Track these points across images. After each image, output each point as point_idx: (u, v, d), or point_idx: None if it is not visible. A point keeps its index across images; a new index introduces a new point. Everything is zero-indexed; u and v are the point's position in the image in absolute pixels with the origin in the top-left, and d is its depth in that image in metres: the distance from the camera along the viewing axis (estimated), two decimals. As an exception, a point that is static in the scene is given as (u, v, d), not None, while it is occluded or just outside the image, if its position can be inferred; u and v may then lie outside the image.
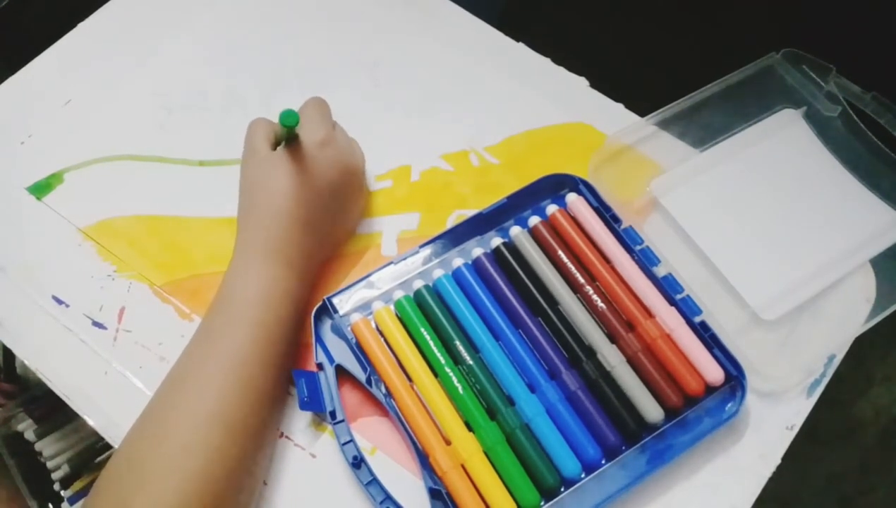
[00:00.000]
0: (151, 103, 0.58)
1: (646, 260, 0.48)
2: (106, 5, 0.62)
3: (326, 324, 0.47)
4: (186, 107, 0.57)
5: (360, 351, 0.46)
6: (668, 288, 0.48)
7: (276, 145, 0.47)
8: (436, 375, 0.45)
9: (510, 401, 0.44)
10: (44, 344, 0.48)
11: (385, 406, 0.44)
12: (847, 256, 0.50)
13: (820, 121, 0.55)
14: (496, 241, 0.49)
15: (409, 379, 0.45)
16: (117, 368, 0.48)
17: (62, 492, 0.73)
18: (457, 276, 0.48)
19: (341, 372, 0.46)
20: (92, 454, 0.74)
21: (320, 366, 0.45)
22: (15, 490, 0.77)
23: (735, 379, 0.45)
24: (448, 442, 0.43)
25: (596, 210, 0.50)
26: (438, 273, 0.48)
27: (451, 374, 0.45)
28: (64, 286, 0.50)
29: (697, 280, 0.48)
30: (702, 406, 0.45)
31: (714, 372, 0.45)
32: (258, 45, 0.60)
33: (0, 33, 0.78)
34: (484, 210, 0.50)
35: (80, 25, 0.61)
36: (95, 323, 0.49)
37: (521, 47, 0.60)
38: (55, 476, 0.73)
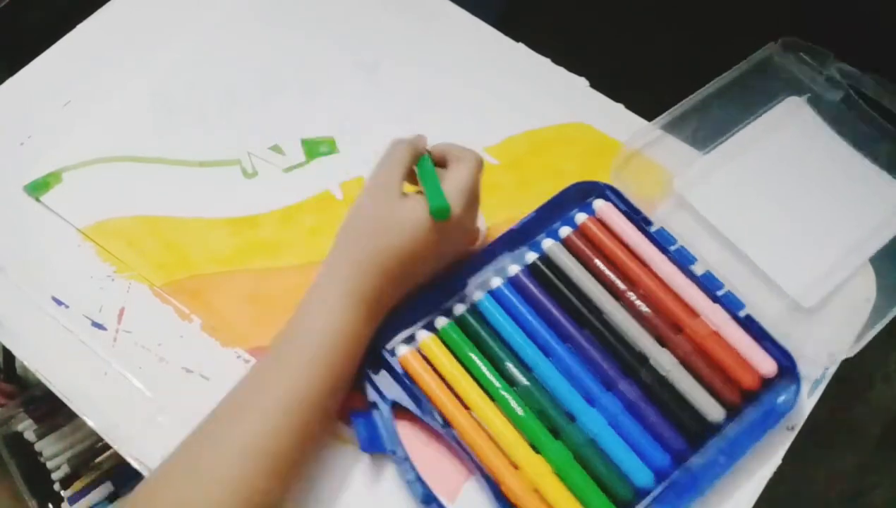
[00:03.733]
0: (151, 104, 0.57)
1: (682, 260, 0.48)
2: (106, 6, 0.62)
3: (373, 361, 0.45)
4: (186, 108, 0.57)
5: (412, 384, 0.44)
6: (708, 285, 0.47)
7: (405, 180, 0.45)
8: (492, 399, 0.44)
9: (571, 418, 0.44)
10: (44, 345, 0.48)
11: (445, 437, 0.43)
12: (871, 235, 0.51)
13: (824, 106, 0.55)
14: (531, 257, 0.48)
15: (466, 406, 0.44)
16: (117, 369, 0.48)
17: (62, 492, 0.73)
18: (497, 296, 0.47)
19: (395, 407, 0.44)
20: (92, 454, 0.74)
21: (374, 405, 0.44)
22: (15, 489, 0.77)
23: (787, 369, 0.45)
24: (516, 467, 0.42)
25: (625, 214, 0.50)
26: (478, 295, 0.47)
27: (507, 397, 0.44)
28: (64, 287, 0.50)
29: (733, 274, 0.48)
30: (758, 401, 0.45)
31: (767, 365, 0.45)
32: (258, 45, 0.60)
33: (0, 33, 0.77)
34: (515, 226, 0.49)
35: (80, 26, 0.61)
36: (95, 324, 0.49)
37: (521, 47, 0.60)
38: (55, 476, 0.73)
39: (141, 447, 0.45)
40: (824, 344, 0.47)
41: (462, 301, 0.47)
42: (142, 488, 0.39)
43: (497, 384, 0.44)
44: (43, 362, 0.48)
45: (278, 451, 0.39)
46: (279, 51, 0.60)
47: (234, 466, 0.38)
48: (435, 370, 0.45)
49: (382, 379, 0.45)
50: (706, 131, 0.54)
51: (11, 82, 0.59)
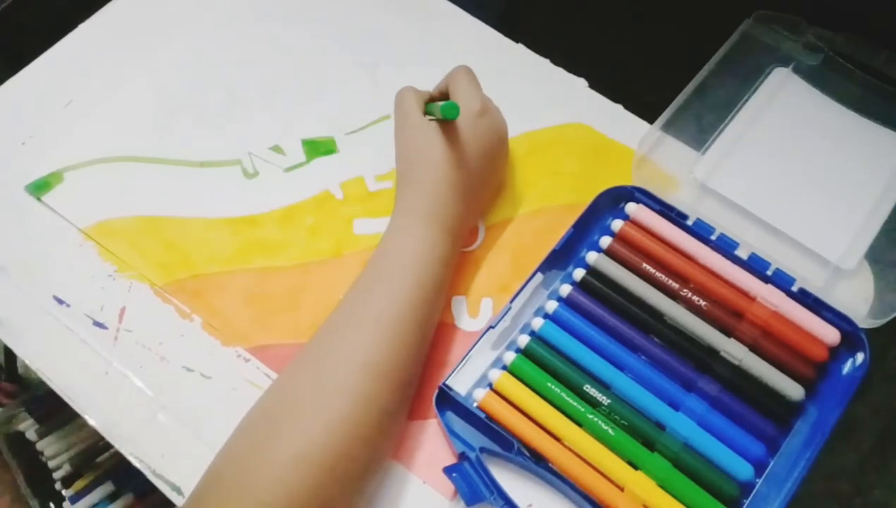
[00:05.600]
0: (152, 104, 0.58)
1: (725, 247, 0.49)
2: (106, 6, 0.62)
3: (450, 410, 0.45)
4: (187, 108, 0.58)
5: (496, 425, 0.44)
6: (756, 267, 0.48)
7: (424, 112, 0.49)
8: (579, 425, 0.44)
9: (660, 427, 0.44)
10: (45, 344, 0.49)
11: (539, 475, 0.43)
12: (889, 186, 0.52)
13: (809, 71, 0.57)
14: (579, 274, 0.48)
15: (556, 437, 0.43)
16: (118, 368, 0.48)
17: (63, 491, 0.73)
18: (556, 320, 0.47)
19: (484, 452, 0.44)
20: (93, 453, 0.75)
21: (463, 455, 0.44)
22: (17, 489, 0.77)
23: (849, 334, 0.46)
24: (621, 488, 0.42)
25: (660, 212, 0.50)
26: (538, 322, 0.47)
27: (595, 419, 0.43)
28: (65, 286, 0.50)
29: (772, 250, 0.49)
30: (829, 372, 0.46)
31: (830, 334, 0.46)
32: (258, 45, 0.60)
33: (0, 34, 0.78)
34: (556, 246, 0.49)
35: (81, 26, 0.61)
36: (96, 323, 0.49)
37: (521, 48, 0.60)
38: (56, 475, 0.73)
39: (142, 445, 0.46)
40: (876, 299, 0.48)
41: (523, 331, 0.47)
42: (267, 392, 0.42)
43: (581, 408, 0.44)
44: (44, 361, 0.48)
45: (383, 361, 0.41)
46: (279, 51, 0.60)
47: (343, 375, 0.40)
48: (515, 406, 0.44)
49: (465, 428, 0.44)
50: (709, 118, 0.55)
51: (13, 82, 0.59)
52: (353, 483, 0.40)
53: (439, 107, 0.45)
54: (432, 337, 0.46)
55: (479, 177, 0.48)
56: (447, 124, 0.47)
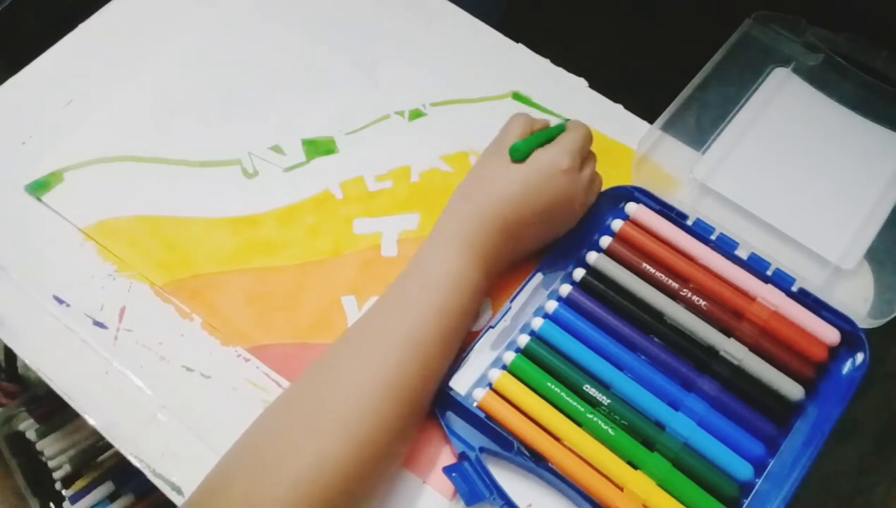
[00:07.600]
0: (152, 104, 0.58)
1: (725, 247, 0.49)
2: (106, 6, 0.62)
3: (450, 410, 0.45)
4: (187, 108, 0.58)
5: (496, 425, 0.44)
6: (756, 267, 0.48)
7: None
8: (579, 425, 0.44)
9: (660, 427, 0.44)
10: (45, 344, 0.49)
11: (539, 475, 0.43)
12: (889, 187, 0.52)
13: (808, 71, 0.57)
14: (579, 273, 0.48)
15: (556, 437, 0.43)
16: (118, 367, 0.48)
17: (63, 491, 0.73)
18: (556, 320, 0.47)
19: (484, 452, 0.44)
20: (93, 453, 0.75)
21: (463, 455, 0.44)
22: (17, 489, 0.77)
23: (849, 334, 0.46)
24: (621, 488, 0.42)
25: (660, 212, 0.50)
26: (538, 322, 0.47)
27: (595, 419, 0.43)
28: (65, 286, 0.50)
29: (772, 250, 0.49)
30: (828, 372, 0.46)
31: (830, 334, 0.46)
32: (258, 45, 0.61)
33: (0, 33, 0.78)
34: (556, 246, 0.49)
35: (81, 26, 0.61)
36: (96, 323, 0.49)
37: (521, 48, 0.60)
38: (56, 475, 0.73)
39: (142, 445, 0.46)
40: (876, 299, 0.49)
41: (523, 330, 0.47)
42: (266, 414, 0.41)
43: (581, 408, 0.44)
44: (44, 361, 0.48)
45: (404, 384, 0.41)
46: (279, 51, 0.60)
47: (364, 395, 0.40)
48: (515, 406, 0.44)
49: (465, 428, 0.44)
50: (708, 118, 0.55)
51: (13, 82, 0.59)
52: (363, 501, 0.40)
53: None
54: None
55: (532, 227, 0.47)
56: (525, 164, 0.46)
